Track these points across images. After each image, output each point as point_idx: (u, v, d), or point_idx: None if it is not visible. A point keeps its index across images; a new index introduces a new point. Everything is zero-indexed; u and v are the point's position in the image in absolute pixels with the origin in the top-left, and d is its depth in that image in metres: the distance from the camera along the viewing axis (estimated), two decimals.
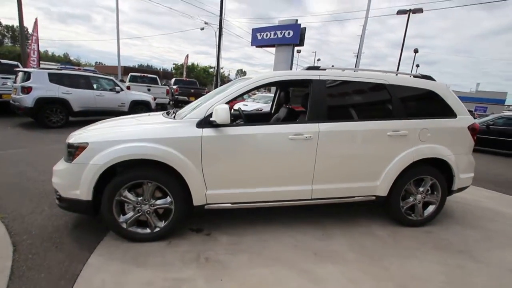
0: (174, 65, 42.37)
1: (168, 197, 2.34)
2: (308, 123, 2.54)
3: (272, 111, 4.08)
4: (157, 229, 2.38)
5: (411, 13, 19.74)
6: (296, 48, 20.99)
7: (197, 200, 2.38)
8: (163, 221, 2.39)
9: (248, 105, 10.73)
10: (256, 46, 21.31)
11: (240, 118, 3.10)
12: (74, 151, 2.22)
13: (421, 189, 2.96)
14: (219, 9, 20.04)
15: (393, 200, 2.86)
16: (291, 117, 3.40)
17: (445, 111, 2.97)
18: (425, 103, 2.96)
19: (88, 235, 2.42)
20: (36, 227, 2.51)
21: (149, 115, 3.04)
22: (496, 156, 8.65)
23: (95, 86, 8.53)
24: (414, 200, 2.96)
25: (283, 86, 3.73)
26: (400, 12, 19.85)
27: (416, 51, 27.08)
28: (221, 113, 2.21)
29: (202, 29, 24.27)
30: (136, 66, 53.37)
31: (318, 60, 49.97)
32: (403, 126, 2.75)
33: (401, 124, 2.75)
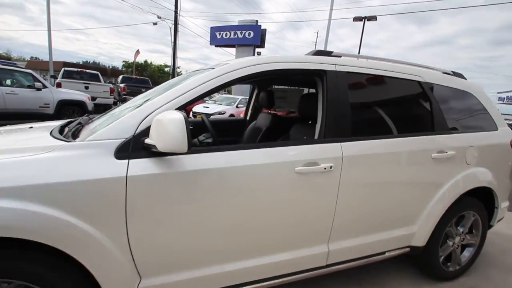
0: (124, 62, 38.32)
1: None
2: (323, 143, 1.50)
3: (248, 118, 2.99)
4: None
5: (366, 20, 20.57)
6: (256, 50, 20.40)
7: None
8: None
9: (210, 108, 9.37)
10: (215, 46, 20.09)
11: (204, 133, 1.87)
12: None
13: (461, 229, 2.15)
14: (173, 5, 18.38)
15: (431, 250, 1.98)
16: (279, 128, 2.36)
17: (486, 122, 2.21)
18: (464, 111, 2.15)
19: None
20: None
21: (20, 128, 1.59)
22: None
23: (7, 81, 6.60)
24: (452, 245, 2.13)
25: (266, 82, 2.65)
26: (356, 18, 20.50)
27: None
28: (169, 129, 1.04)
29: (155, 23, 22.12)
30: (81, 63, 47.41)
31: None
32: (450, 143, 1.89)
33: (446, 141, 1.88)
